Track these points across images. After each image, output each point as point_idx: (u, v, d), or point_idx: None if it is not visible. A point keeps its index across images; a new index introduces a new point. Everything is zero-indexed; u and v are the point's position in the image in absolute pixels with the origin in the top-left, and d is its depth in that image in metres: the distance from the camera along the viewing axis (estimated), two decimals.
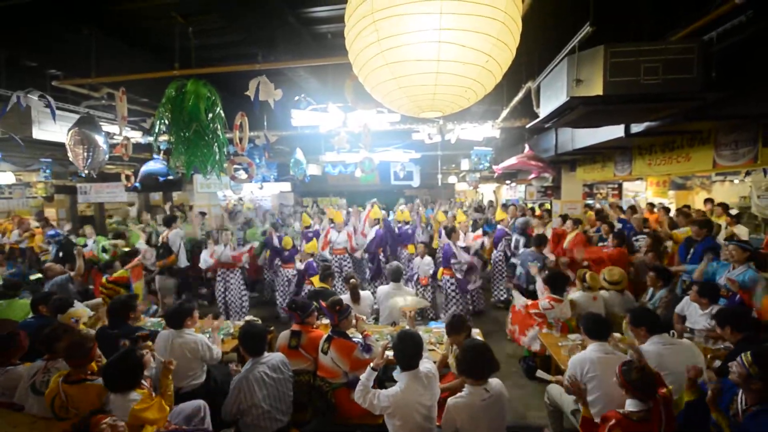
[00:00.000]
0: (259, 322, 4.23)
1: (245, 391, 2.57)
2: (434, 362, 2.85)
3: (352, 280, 4.37)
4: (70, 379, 2.41)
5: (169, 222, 6.86)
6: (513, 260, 6.01)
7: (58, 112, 4.94)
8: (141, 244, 6.63)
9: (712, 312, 3.41)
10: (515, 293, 4.42)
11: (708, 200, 7.26)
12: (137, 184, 7.86)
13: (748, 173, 7.61)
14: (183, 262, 6.48)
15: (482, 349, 2.40)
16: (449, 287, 5.33)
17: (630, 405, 2.14)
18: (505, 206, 8.33)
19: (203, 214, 8.49)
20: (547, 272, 4.24)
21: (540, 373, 3.21)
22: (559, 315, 3.77)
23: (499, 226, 6.70)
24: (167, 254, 6.46)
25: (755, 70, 2.77)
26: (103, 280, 4.74)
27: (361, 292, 4.31)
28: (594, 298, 3.98)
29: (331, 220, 7.13)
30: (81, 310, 3.82)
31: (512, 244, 6.13)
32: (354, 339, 3.07)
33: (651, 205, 8.11)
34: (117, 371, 2.30)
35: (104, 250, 6.56)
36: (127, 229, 7.70)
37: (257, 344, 2.71)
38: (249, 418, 2.59)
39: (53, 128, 4.98)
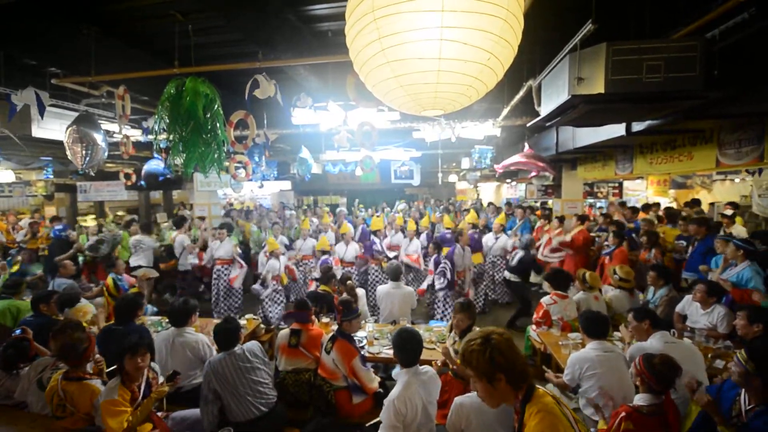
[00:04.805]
0: (260, 320, 4.25)
1: (211, 376, 2.61)
2: (434, 362, 2.86)
3: (348, 282, 4.37)
4: (69, 376, 2.41)
5: (179, 224, 6.88)
6: (507, 275, 5.92)
7: (57, 110, 4.95)
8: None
9: (714, 311, 3.42)
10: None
11: (695, 201, 7.32)
12: (143, 183, 7.88)
13: (755, 172, 7.57)
14: (185, 266, 6.51)
15: None
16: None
17: (640, 399, 2.13)
18: (516, 206, 8.25)
19: (202, 218, 8.50)
20: (549, 271, 4.25)
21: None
22: (562, 312, 3.77)
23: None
24: (170, 257, 6.47)
25: (758, 68, 2.75)
26: (109, 280, 4.69)
27: (357, 291, 4.33)
28: (595, 298, 3.98)
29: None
30: (87, 305, 3.83)
31: (512, 258, 5.92)
32: (358, 345, 3.09)
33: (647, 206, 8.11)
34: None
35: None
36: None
37: (228, 339, 2.73)
38: (226, 407, 2.62)
39: (53, 126, 4.97)
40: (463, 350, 1.52)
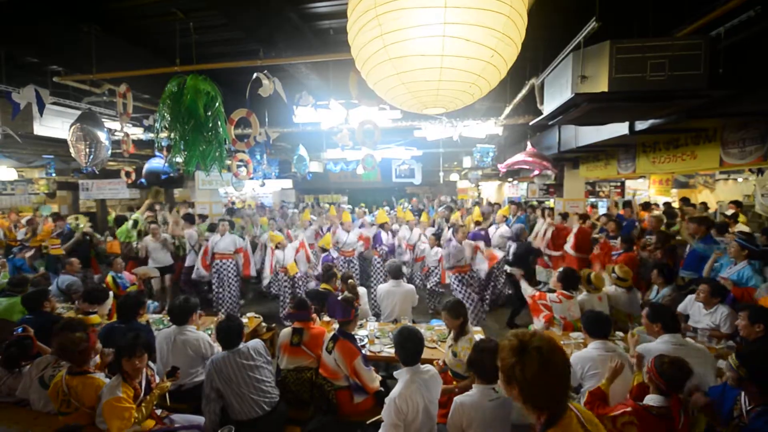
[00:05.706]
0: (260, 318, 4.24)
1: (213, 374, 2.60)
2: (435, 361, 2.84)
3: (350, 281, 4.36)
4: (73, 371, 2.43)
5: (191, 221, 6.89)
6: (508, 269, 5.93)
7: (59, 108, 4.96)
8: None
9: (717, 311, 3.40)
10: (523, 283, 4.40)
11: (684, 199, 7.29)
12: (143, 181, 7.87)
13: (758, 172, 7.52)
14: (192, 261, 6.48)
15: (496, 350, 2.37)
16: (456, 288, 5.29)
17: (650, 399, 2.11)
18: (511, 202, 8.26)
19: (202, 216, 8.50)
20: (561, 270, 4.21)
21: None
22: (565, 312, 3.75)
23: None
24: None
25: (763, 67, 2.74)
26: (108, 278, 4.69)
27: (359, 289, 4.32)
28: (599, 299, 3.97)
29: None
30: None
31: (506, 249, 6.01)
32: (359, 344, 3.08)
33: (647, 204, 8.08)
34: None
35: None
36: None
37: (231, 338, 2.72)
38: (229, 406, 2.62)
39: (54, 124, 4.98)
40: (500, 341, 1.46)
